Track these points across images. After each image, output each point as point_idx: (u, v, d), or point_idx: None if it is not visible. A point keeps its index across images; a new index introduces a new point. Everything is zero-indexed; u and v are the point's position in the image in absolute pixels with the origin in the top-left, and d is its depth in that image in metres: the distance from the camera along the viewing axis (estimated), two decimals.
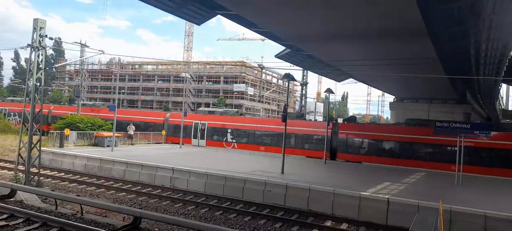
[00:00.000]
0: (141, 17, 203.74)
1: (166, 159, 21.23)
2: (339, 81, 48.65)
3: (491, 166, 23.45)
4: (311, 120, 54.40)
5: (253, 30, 24.23)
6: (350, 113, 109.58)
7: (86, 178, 18.83)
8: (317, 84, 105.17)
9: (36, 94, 16.47)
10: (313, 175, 18.99)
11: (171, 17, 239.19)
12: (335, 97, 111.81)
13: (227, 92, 71.15)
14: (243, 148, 30.89)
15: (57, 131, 25.33)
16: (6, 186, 12.92)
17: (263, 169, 19.60)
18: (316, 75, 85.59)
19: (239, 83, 69.62)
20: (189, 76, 70.29)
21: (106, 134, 26.58)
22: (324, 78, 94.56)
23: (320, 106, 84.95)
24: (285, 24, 21.47)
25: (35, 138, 16.75)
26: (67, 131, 25.07)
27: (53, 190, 15.24)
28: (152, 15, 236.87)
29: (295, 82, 57.82)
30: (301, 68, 44.60)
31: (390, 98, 58.46)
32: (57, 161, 21.71)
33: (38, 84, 16.59)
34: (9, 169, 19.39)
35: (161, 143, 32.39)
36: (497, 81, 36.76)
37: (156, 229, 10.40)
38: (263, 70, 63.45)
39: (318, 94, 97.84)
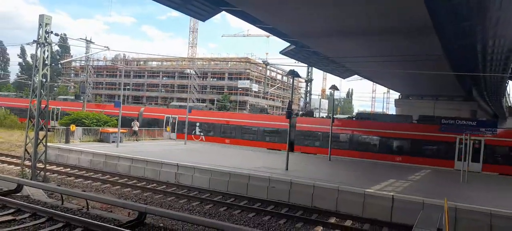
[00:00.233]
0: (146, 14, 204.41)
1: (170, 155, 21.31)
2: (344, 78, 48.42)
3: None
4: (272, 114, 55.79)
5: (257, 27, 24.16)
6: (355, 110, 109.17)
7: (91, 173, 18.97)
8: (322, 81, 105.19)
9: (42, 90, 16.59)
10: (317, 172, 18.99)
11: (175, 13, 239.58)
12: (340, 94, 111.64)
13: (231, 89, 71.18)
14: (210, 140, 32.19)
15: (63, 127, 25.50)
16: (13, 181, 13.05)
17: (266, 165, 19.62)
18: (321, 72, 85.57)
19: (244, 79, 69.61)
20: (194, 73, 70.41)
21: (111, 130, 26.73)
22: (329, 75, 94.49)
23: (325, 103, 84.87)
24: (289, 20, 21.40)
25: (41, 134, 16.88)
26: (72, 127, 25.24)
27: (59, 185, 15.38)
28: (157, 12, 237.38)
29: (300, 79, 57.81)
30: (306, 65, 44.52)
31: (395, 95, 58.24)
32: (63, 156, 21.88)
33: (44, 80, 16.71)
34: (16, 164, 19.58)
35: (162, 139, 32.52)
36: (504, 78, 36.38)
37: (161, 225, 10.44)
38: (268, 67, 63.39)
39: (323, 91, 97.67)
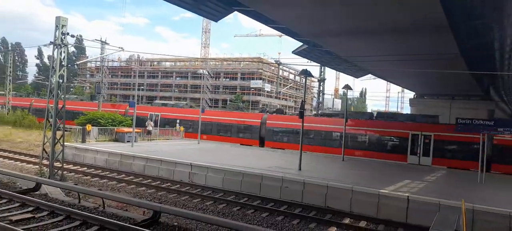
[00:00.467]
0: (159, 15, 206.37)
1: (184, 154, 21.49)
2: (357, 78, 47.98)
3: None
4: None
5: (270, 26, 24.14)
6: (369, 110, 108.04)
7: (107, 172, 19.28)
8: (335, 80, 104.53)
9: (59, 91, 16.95)
10: (330, 172, 18.88)
11: (189, 14, 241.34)
12: (353, 94, 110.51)
13: (244, 89, 71.30)
14: (189, 136, 33.15)
15: (79, 127, 25.98)
16: (32, 179, 13.40)
17: (278, 165, 19.60)
18: (334, 71, 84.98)
19: (256, 79, 69.63)
20: (207, 73, 70.77)
21: (126, 129, 27.10)
22: (342, 75, 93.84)
23: (338, 103, 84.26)
24: (302, 20, 21.31)
25: (59, 133, 17.24)
26: (88, 127, 25.68)
27: (76, 184, 15.67)
28: (171, 13, 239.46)
29: (313, 79, 57.41)
30: (319, 64, 44.24)
31: (410, 94, 57.44)
32: (79, 155, 22.29)
33: (60, 81, 17.06)
34: (34, 163, 20.03)
35: (179, 138, 32.80)
36: None
37: (175, 224, 10.55)
38: (280, 67, 63.23)
39: (336, 90, 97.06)
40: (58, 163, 17.08)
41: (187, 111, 37.27)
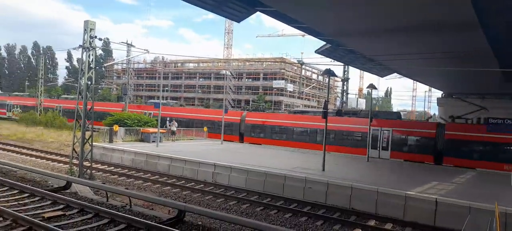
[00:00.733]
0: (183, 17, 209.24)
1: (207, 154, 21.71)
2: (382, 77, 46.92)
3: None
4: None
5: (292, 26, 23.98)
6: (394, 110, 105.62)
7: (133, 172, 19.75)
8: (358, 79, 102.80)
9: (87, 92, 17.50)
10: (355, 173, 18.60)
11: (211, 16, 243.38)
12: (378, 93, 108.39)
13: (266, 89, 71.30)
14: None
15: (107, 127, 26.74)
16: (63, 178, 13.91)
17: (301, 165, 19.48)
18: (358, 70, 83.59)
19: (279, 79, 69.47)
20: (229, 74, 71.23)
21: (151, 130, 27.68)
22: (366, 74, 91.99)
23: (362, 103, 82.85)
24: (325, 19, 21.06)
25: (88, 134, 17.81)
26: (116, 127, 26.39)
27: (104, 183, 16.15)
28: (193, 14, 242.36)
29: (336, 78, 56.75)
30: (342, 64, 43.65)
31: (437, 93, 55.78)
32: (107, 155, 22.95)
33: (89, 83, 17.61)
34: (65, 163, 20.78)
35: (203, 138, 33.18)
36: None
37: (200, 223, 10.66)
38: (303, 66, 62.85)
39: (360, 90, 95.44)
40: (87, 162, 17.64)
41: (173, 110, 39.51)
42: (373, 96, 33.63)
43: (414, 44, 24.33)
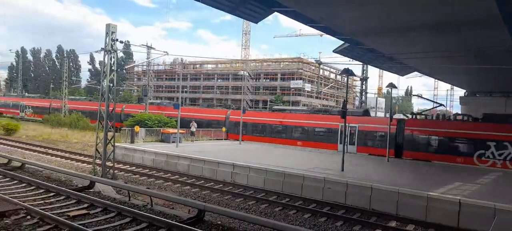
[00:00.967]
0: (201, 18, 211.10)
1: (226, 154, 21.87)
2: (403, 75, 46.08)
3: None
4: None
5: (310, 26, 23.84)
6: (415, 109, 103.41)
7: (154, 171, 20.12)
8: (378, 78, 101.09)
9: (109, 94, 17.94)
10: (374, 173, 18.36)
11: (229, 17, 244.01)
12: (398, 92, 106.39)
13: (284, 89, 71.14)
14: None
15: (128, 128, 27.32)
16: (86, 178, 14.33)
17: (319, 165, 19.37)
18: (377, 69, 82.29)
19: (296, 79, 69.19)
20: (247, 74, 71.44)
21: (171, 130, 28.10)
22: (385, 73, 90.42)
23: (382, 102, 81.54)
24: (344, 18, 20.85)
25: (110, 135, 18.25)
26: (137, 128, 26.94)
27: (126, 183, 16.51)
28: (211, 16, 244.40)
29: (355, 77, 56.14)
30: (361, 63, 43.09)
31: (460, 92, 54.32)
32: (128, 155, 23.44)
33: (111, 85, 18.05)
34: (88, 163, 21.36)
35: (222, 139, 33.43)
36: None
37: (219, 222, 10.78)
38: (321, 66, 62.35)
39: (380, 89, 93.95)
40: (110, 163, 18.08)
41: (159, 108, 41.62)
42: (393, 95, 33.00)
43: (436, 41, 23.80)
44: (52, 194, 12.52)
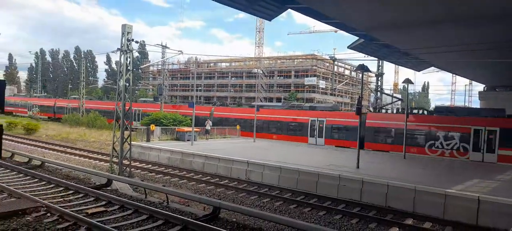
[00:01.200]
0: (214, 17, 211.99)
1: (240, 152, 21.94)
2: (419, 71, 45.24)
3: None
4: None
5: (324, 22, 23.64)
6: (432, 105, 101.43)
7: (170, 169, 20.34)
8: (393, 74, 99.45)
9: (125, 93, 18.21)
10: (390, 170, 18.13)
11: (242, 15, 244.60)
12: (415, 88, 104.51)
13: (298, 86, 70.82)
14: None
15: (144, 127, 27.69)
16: (104, 176, 14.58)
17: (334, 163, 19.24)
18: (393, 65, 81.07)
19: (310, 76, 68.73)
20: (261, 72, 71.37)
21: (186, 129, 28.34)
22: (401, 68, 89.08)
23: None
24: (359, 13, 20.59)
25: (126, 133, 18.54)
26: (152, 127, 27.26)
27: (143, 180, 16.75)
28: (225, 14, 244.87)
29: (370, 74, 55.30)
30: (376, 59, 42.47)
31: (479, 87, 53.04)
32: (144, 153, 23.77)
33: (127, 84, 18.31)
34: (105, 161, 21.75)
35: (236, 136, 33.54)
36: None
37: (234, 219, 10.83)
38: (335, 62, 61.65)
39: (396, 85, 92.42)
40: (126, 161, 18.37)
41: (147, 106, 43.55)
42: (409, 91, 32.61)
43: (453, 36, 23.26)
44: (71, 191, 12.78)
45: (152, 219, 10.22)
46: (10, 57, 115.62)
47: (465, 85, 79.11)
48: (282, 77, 75.97)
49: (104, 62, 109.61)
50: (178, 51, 28.70)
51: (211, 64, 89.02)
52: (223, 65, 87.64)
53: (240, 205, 13.13)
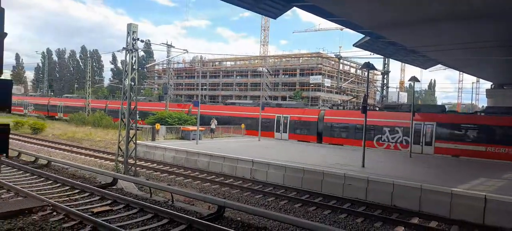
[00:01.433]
0: (220, 16, 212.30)
1: (245, 151, 21.93)
2: (425, 69, 44.92)
3: None
4: None
5: (329, 20, 23.53)
6: (438, 103, 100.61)
7: (175, 168, 20.40)
8: (400, 72, 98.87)
9: (131, 93, 18.28)
10: (396, 169, 18.00)
11: (247, 13, 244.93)
12: (421, 86, 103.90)
13: (303, 85, 70.59)
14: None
15: (149, 126, 27.78)
16: (109, 175, 14.66)
17: (339, 162, 19.16)
18: (399, 63, 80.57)
19: (316, 75, 68.47)
20: (266, 71, 71.27)
21: (191, 128, 28.40)
22: (408, 66, 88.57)
23: (404, 96, 79.75)
24: (364, 11, 20.43)
25: (132, 132, 18.62)
26: (157, 126, 27.36)
27: (148, 179, 16.82)
28: (230, 13, 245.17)
29: (376, 72, 55.03)
30: (382, 57, 42.21)
31: (486, 84, 52.50)
32: (150, 153, 23.86)
33: (132, 83, 18.38)
34: (111, 160, 21.86)
35: (241, 135, 33.54)
36: None
37: (239, 218, 10.82)
38: (341, 60, 61.39)
39: (402, 83, 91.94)
40: (132, 160, 18.45)
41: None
42: (415, 89, 32.44)
43: (460, 33, 23.04)
44: (77, 191, 12.87)
45: (157, 218, 10.26)
46: (17, 57, 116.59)
47: (472, 83, 78.47)
48: (287, 76, 75.77)
49: (110, 62, 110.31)
50: (183, 50, 28.93)
51: (216, 63, 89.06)
52: (228, 64, 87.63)
53: (245, 204, 13.14)
